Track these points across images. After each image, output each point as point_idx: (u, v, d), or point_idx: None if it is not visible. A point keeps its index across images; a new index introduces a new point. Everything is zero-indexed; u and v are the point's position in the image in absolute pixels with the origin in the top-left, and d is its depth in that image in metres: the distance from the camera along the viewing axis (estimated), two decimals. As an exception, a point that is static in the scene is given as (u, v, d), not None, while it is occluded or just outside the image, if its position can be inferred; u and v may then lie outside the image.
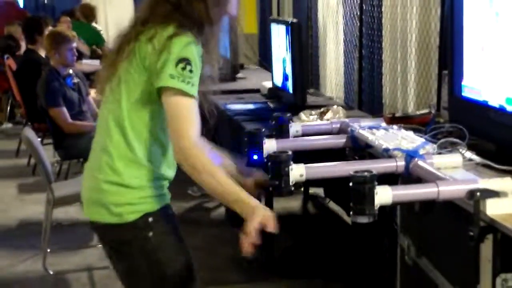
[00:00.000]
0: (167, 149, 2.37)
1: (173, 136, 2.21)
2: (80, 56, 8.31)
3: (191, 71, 2.20)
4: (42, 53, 6.98)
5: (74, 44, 5.78)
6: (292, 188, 2.41)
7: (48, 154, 5.05)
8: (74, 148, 5.51)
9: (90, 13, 10.07)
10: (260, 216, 2.16)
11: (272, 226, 2.17)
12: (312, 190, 5.62)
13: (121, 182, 2.31)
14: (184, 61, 2.20)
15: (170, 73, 2.19)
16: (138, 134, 2.31)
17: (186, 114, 2.20)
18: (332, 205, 5.29)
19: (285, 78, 4.64)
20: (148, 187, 2.34)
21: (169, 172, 2.41)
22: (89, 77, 7.66)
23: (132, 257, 2.38)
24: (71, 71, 5.72)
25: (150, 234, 2.34)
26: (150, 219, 2.34)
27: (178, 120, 2.19)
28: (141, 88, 2.28)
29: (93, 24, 10.47)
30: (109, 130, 2.34)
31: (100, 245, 4.73)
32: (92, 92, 6.69)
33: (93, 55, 9.61)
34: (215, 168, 2.20)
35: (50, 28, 7.33)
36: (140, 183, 2.32)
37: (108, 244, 2.46)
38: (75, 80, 5.72)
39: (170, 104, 2.21)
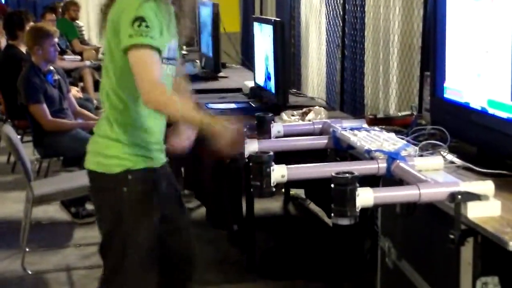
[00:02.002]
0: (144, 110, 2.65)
1: (136, 83, 2.47)
2: (62, 52, 8.27)
3: (147, 26, 2.46)
4: (23, 49, 6.91)
5: (56, 40, 5.73)
6: (274, 189, 2.40)
7: (27, 152, 5.00)
8: (54, 146, 5.47)
9: (74, 9, 10.04)
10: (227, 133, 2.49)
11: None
12: (293, 191, 5.61)
13: (112, 136, 2.65)
14: (138, 20, 2.46)
15: (129, 34, 2.46)
16: (127, 96, 2.62)
17: (146, 61, 2.47)
18: (313, 206, 5.28)
19: (268, 77, 4.63)
20: (135, 145, 2.65)
21: (157, 130, 2.71)
22: (70, 74, 7.63)
23: (103, 201, 2.72)
24: (52, 68, 5.67)
25: (125, 189, 2.64)
26: (130, 176, 2.64)
27: (139, 68, 2.47)
28: (118, 54, 2.57)
29: (76, 21, 10.43)
30: (106, 96, 2.67)
31: (79, 245, 4.77)
32: (73, 90, 6.66)
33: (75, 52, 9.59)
34: (175, 102, 2.50)
35: (31, 23, 7.27)
36: (128, 140, 2.64)
37: (91, 186, 2.77)
38: (56, 77, 5.67)
39: (132, 58, 2.48)
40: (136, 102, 2.62)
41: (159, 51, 2.52)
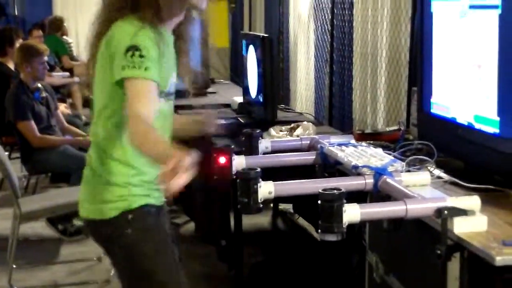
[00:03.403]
0: None
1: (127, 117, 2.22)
2: (51, 68, 8.26)
3: (141, 56, 2.23)
4: (11, 66, 6.91)
5: (46, 58, 5.74)
6: (261, 206, 2.39)
7: (15, 168, 4.99)
8: (42, 163, 5.46)
9: (59, 25, 10.03)
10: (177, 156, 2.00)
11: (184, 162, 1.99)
12: (281, 206, 5.60)
13: (102, 180, 2.41)
14: (132, 49, 2.24)
15: (122, 65, 2.23)
16: (118, 133, 2.38)
17: (138, 92, 2.22)
18: (302, 221, 5.28)
19: (257, 93, 4.63)
20: (129, 185, 2.41)
21: (151, 169, 2.40)
22: (59, 91, 7.62)
23: (114, 253, 2.48)
24: (39, 85, 5.67)
25: (129, 230, 2.41)
26: (130, 216, 2.41)
27: (132, 101, 2.22)
28: (109, 87, 2.34)
29: (64, 37, 10.42)
30: (95, 131, 2.45)
31: (66, 262, 4.74)
32: (61, 107, 6.65)
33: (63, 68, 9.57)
34: (156, 143, 2.15)
35: (20, 40, 7.27)
36: (121, 180, 2.40)
37: (96, 239, 2.54)
38: (44, 94, 5.67)
39: (127, 91, 2.24)
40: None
41: (156, 82, 2.28)
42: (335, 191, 2.10)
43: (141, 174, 2.43)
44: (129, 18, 2.34)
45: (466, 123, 2.71)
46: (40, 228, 5.29)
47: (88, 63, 2.48)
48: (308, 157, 2.98)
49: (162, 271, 2.45)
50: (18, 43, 6.94)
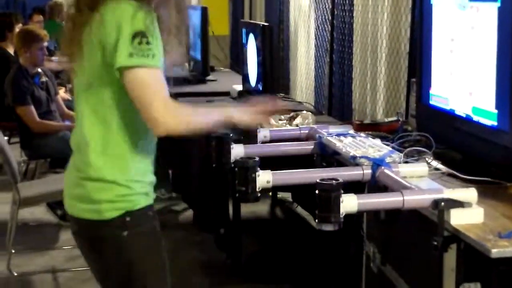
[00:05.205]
0: (145, 140, 2.31)
1: (142, 112, 2.14)
2: (51, 53, 8.24)
3: (148, 43, 2.13)
4: (11, 50, 6.90)
5: (45, 44, 5.73)
6: (259, 195, 2.41)
7: (15, 153, 5.00)
8: (41, 148, 5.46)
9: (59, 10, 10.00)
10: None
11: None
12: (280, 195, 5.62)
13: (101, 178, 2.25)
14: (139, 35, 2.13)
15: (129, 52, 2.12)
16: (117, 122, 2.25)
17: (151, 84, 2.14)
18: (300, 210, 5.29)
19: (256, 81, 4.64)
20: (129, 182, 2.27)
21: (147, 166, 2.34)
22: (58, 76, 7.61)
23: (105, 254, 2.35)
24: (39, 70, 5.67)
25: (125, 233, 2.28)
26: (128, 219, 2.28)
27: (144, 93, 2.13)
28: (103, 69, 2.21)
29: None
30: (86, 123, 2.28)
31: (65, 247, 4.76)
32: (61, 92, 6.64)
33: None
34: (190, 116, 2.23)
35: (20, 25, 7.26)
36: (121, 178, 2.26)
37: (83, 238, 2.39)
38: (43, 79, 5.67)
39: (134, 82, 2.14)
40: (130, 129, 2.27)
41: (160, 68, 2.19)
42: (333, 181, 2.11)
43: (140, 170, 2.32)
44: None
45: (464, 115, 2.72)
46: (39, 213, 5.31)
47: (72, 46, 2.30)
48: (307, 147, 3.00)
49: (152, 275, 2.38)
50: (17, 27, 6.93)
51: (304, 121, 3.87)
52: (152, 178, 2.37)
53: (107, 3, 2.20)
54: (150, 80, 2.14)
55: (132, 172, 2.28)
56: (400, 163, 2.59)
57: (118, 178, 2.26)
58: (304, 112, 4.03)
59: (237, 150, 2.78)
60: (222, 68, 7.04)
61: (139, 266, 2.33)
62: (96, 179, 2.26)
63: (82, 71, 2.28)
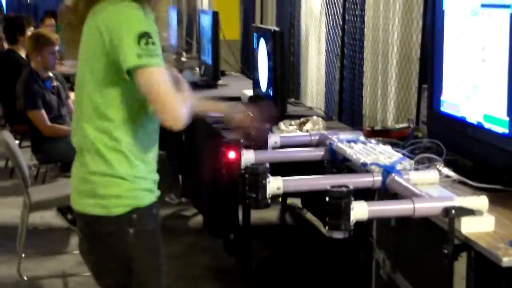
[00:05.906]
0: (148, 137, 2.38)
1: (159, 110, 2.22)
2: (62, 57, 8.26)
3: (153, 43, 2.20)
4: (23, 54, 6.92)
5: (57, 48, 5.74)
6: (269, 201, 2.40)
7: (26, 157, 5.01)
8: (52, 152, 5.48)
9: None
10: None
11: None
12: (289, 201, 5.61)
13: (109, 173, 2.31)
14: (145, 36, 2.19)
15: (137, 53, 2.18)
16: (121, 119, 2.31)
17: (162, 82, 2.21)
18: (310, 216, 5.28)
19: (267, 86, 4.63)
20: (136, 179, 2.33)
21: (152, 160, 2.42)
22: (69, 80, 7.62)
23: (107, 250, 2.39)
24: (51, 74, 5.68)
25: (131, 230, 2.34)
26: (134, 216, 2.34)
27: (159, 92, 2.20)
28: (105, 68, 2.27)
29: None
30: (89, 121, 2.32)
31: (75, 252, 4.76)
32: (72, 96, 6.65)
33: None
34: (193, 108, 2.35)
35: (32, 28, 7.27)
36: (128, 174, 2.32)
37: (86, 233, 2.43)
38: (55, 83, 5.68)
39: (145, 82, 2.20)
40: (135, 122, 2.34)
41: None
42: (343, 188, 2.10)
43: (145, 167, 2.37)
44: None
45: (475, 123, 2.70)
46: (49, 217, 5.32)
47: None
48: (317, 153, 2.99)
49: (150, 273, 2.43)
50: (29, 31, 6.94)
51: (315, 127, 3.86)
52: (156, 176, 2.44)
53: (107, 4, 2.26)
54: (161, 79, 2.21)
55: (138, 168, 2.34)
56: (410, 170, 2.58)
57: (125, 173, 2.32)
58: (315, 117, 4.03)
59: (248, 156, 2.77)
60: (233, 73, 7.03)
61: (140, 263, 2.40)
62: (103, 174, 2.32)
63: (83, 71, 2.34)
